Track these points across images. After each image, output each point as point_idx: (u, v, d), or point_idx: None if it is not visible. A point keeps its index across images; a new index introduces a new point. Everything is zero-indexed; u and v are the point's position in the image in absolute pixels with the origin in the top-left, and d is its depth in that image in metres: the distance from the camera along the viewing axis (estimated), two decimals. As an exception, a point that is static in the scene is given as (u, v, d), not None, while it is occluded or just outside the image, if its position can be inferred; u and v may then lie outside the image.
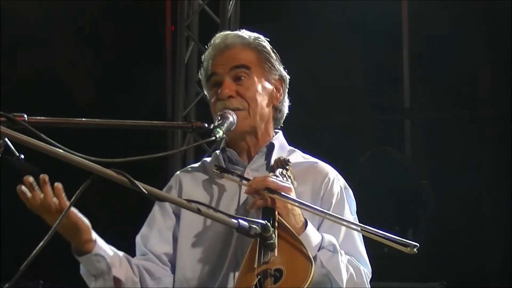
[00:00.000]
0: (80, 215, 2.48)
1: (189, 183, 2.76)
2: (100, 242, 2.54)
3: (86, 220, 2.49)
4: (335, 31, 6.99)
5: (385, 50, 7.05)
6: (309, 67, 6.67)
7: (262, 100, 2.70)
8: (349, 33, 7.04)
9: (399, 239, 2.27)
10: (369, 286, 2.60)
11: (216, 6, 6.28)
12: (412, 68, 7.21)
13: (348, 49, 7.16)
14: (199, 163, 2.85)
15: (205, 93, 2.83)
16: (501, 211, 6.69)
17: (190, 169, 2.84)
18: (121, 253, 2.62)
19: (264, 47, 2.75)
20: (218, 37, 2.78)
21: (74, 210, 2.45)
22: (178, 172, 2.83)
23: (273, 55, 2.76)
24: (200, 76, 2.82)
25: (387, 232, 2.30)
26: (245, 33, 2.77)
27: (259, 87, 2.70)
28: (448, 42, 6.94)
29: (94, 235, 2.52)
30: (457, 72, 6.95)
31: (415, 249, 2.26)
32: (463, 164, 6.84)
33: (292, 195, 2.47)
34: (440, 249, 6.62)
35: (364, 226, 2.38)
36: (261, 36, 2.79)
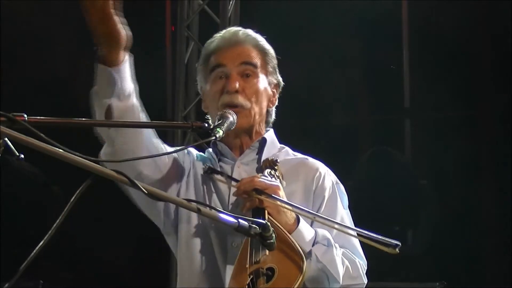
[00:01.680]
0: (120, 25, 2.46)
1: (191, 173, 2.74)
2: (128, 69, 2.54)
3: (124, 33, 2.49)
4: (335, 31, 6.99)
5: (385, 50, 7.05)
6: (309, 67, 6.67)
7: (263, 101, 2.72)
8: (349, 33, 7.04)
9: (381, 239, 2.26)
10: (366, 278, 2.61)
11: (216, 6, 6.28)
12: (412, 68, 7.21)
13: (348, 49, 7.16)
14: (205, 154, 2.83)
15: (199, 84, 2.81)
16: (501, 211, 6.69)
17: (199, 156, 2.81)
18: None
19: (269, 50, 2.78)
20: (228, 31, 2.79)
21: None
22: (195, 152, 2.81)
23: (275, 61, 2.79)
24: (197, 66, 2.82)
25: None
26: (254, 33, 2.79)
27: (263, 87, 2.72)
28: (448, 42, 6.94)
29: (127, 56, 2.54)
30: (457, 72, 6.95)
31: (397, 249, 2.24)
32: (463, 164, 6.84)
33: (281, 194, 2.48)
34: (440, 249, 6.62)
35: (347, 226, 2.38)
36: (265, 40, 2.81)
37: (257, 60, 2.72)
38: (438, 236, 6.67)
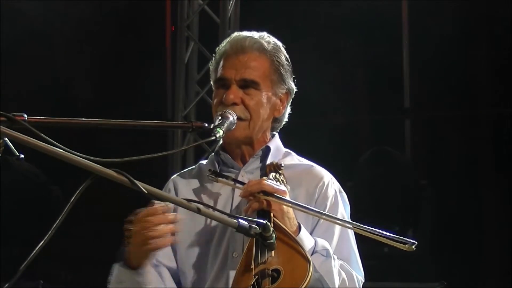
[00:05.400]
0: None
1: (184, 188, 2.76)
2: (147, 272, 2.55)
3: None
4: (335, 31, 6.99)
5: (385, 50, 7.05)
6: (309, 67, 6.67)
7: (265, 113, 2.69)
8: (349, 32, 7.03)
9: (397, 237, 2.27)
10: None
11: (216, 6, 6.28)
12: (412, 68, 7.21)
13: (348, 49, 7.16)
14: (195, 166, 2.85)
15: (212, 86, 2.81)
16: (501, 211, 6.69)
17: (185, 173, 2.83)
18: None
19: (279, 58, 2.72)
20: (237, 36, 2.75)
21: None
22: (173, 176, 2.83)
23: (286, 67, 2.73)
24: (210, 66, 2.80)
25: (386, 232, 2.31)
26: (265, 38, 2.73)
27: (264, 99, 2.68)
28: (448, 41, 6.94)
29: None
30: (457, 72, 6.95)
31: (413, 247, 2.25)
32: (463, 164, 6.84)
33: (287, 198, 2.48)
34: (440, 249, 6.62)
35: (363, 226, 2.38)
36: (279, 44, 2.76)
37: (260, 71, 2.67)
38: (438, 236, 6.67)
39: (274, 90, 2.71)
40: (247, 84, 2.66)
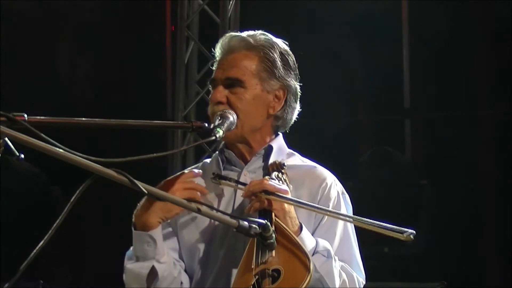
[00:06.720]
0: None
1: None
2: (160, 235, 2.54)
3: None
4: (335, 31, 6.99)
5: (385, 50, 7.05)
6: (309, 67, 6.66)
7: (253, 111, 2.65)
8: (349, 33, 7.03)
9: (395, 227, 2.28)
10: None
11: (216, 6, 6.28)
12: (412, 68, 7.21)
13: (348, 49, 7.16)
14: (198, 165, 2.84)
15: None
16: (501, 211, 6.69)
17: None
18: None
19: (268, 54, 2.67)
20: (227, 37, 2.73)
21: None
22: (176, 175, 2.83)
23: (278, 63, 2.69)
24: (213, 66, 2.80)
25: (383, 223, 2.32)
26: (253, 36, 2.70)
27: (251, 97, 2.64)
28: (448, 42, 6.94)
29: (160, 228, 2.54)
30: (457, 72, 6.95)
31: (411, 236, 2.25)
32: (463, 164, 6.84)
33: (289, 197, 2.48)
34: (440, 249, 6.62)
35: (361, 218, 2.38)
36: (275, 41, 2.73)
37: (248, 69, 2.64)
38: (438, 236, 6.67)
39: (264, 86, 2.66)
40: (232, 83, 2.64)
